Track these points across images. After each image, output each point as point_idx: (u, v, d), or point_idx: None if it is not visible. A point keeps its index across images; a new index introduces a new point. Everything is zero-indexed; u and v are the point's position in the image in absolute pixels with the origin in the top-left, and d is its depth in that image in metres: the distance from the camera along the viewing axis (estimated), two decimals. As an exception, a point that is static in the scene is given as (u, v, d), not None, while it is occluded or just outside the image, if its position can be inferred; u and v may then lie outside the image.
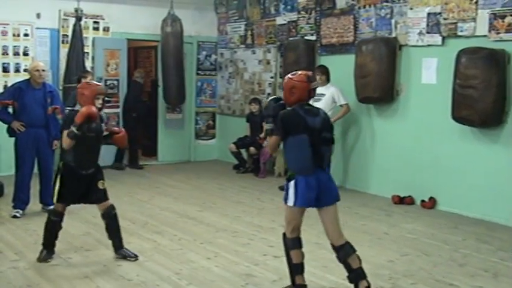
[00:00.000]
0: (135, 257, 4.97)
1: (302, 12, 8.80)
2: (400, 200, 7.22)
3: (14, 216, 6.23)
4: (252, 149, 9.17)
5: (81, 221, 6.16)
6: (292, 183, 4.04)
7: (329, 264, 4.82)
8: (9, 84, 7.77)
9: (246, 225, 6.19)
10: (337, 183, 8.14)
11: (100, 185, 4.86)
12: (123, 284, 4.44)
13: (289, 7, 9.07)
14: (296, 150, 4.02)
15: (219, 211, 6.82)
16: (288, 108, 4.10)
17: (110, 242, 5.44)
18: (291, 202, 4.06)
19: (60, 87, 8.52)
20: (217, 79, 10.77)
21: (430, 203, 7.00)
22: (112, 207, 4.98)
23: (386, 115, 7.62)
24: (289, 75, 4.15)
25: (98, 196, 4.90)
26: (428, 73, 7.04)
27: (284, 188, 4.18)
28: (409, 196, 7.22)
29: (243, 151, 9.46)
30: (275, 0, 9.32)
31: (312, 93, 4.14)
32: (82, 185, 4.83)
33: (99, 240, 5.49)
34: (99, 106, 4.79)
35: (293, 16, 8.98)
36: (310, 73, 4.24)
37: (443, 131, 6.86)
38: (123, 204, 7.00)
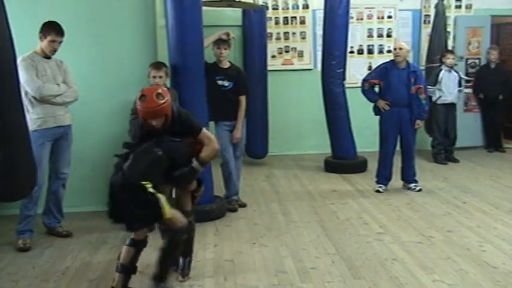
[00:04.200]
0: None
1: None
2: None
3: (377, 191, 6.53)
4: None
5: (442, 201, 6.12)
6: None
7: None
8: (373, 66, 8.18)
9: None
10: None
11: None
12: (488, 270, 4.22)
13: None
14: None
15: None
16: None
17: (472, 225, 5.30)
18: None
19: (422, 67, 8.55)
20: None
21: None
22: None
23: None
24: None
25: None
26: None
27: None
28: None
29: None
30: None
31: None
32: None
33: (461, 222, 5.37)
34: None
35: None
36: None
37: None
38: (485, 188, 6.72)
